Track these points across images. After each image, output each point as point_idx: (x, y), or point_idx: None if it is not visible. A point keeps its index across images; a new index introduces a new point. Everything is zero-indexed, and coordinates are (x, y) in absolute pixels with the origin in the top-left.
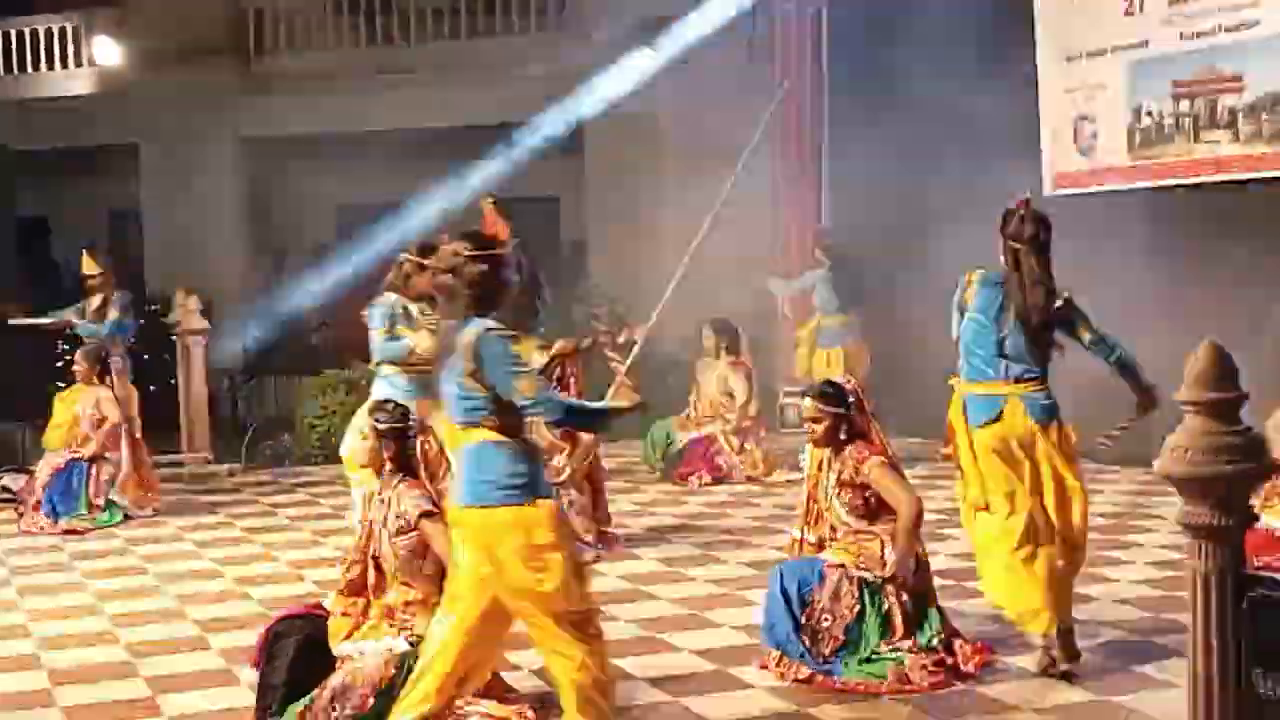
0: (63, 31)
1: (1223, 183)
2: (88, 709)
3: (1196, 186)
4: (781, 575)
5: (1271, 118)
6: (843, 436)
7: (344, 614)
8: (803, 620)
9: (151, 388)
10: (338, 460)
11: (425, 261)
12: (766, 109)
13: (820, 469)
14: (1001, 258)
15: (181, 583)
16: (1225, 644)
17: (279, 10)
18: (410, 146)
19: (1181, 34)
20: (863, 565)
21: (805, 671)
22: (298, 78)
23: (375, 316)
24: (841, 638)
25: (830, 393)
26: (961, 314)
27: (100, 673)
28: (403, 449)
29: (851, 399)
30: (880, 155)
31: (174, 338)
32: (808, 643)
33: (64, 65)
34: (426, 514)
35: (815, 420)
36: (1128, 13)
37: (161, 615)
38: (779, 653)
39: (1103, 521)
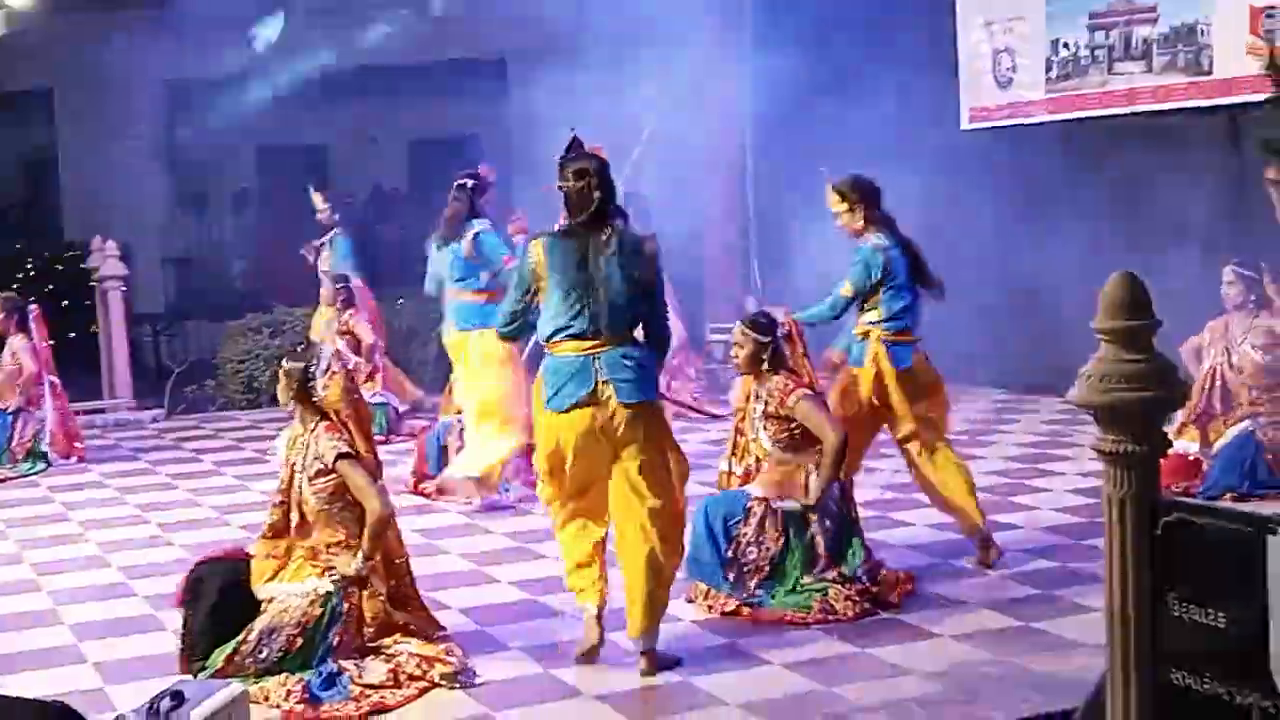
0: None
1: (1137, 113)
2: (8, 658)
3: (1111, 118)
4: (706, 510)
5: (1185, 48)
6: (765, 365)
7: (268, 556)
8: (729, 554)
9: (72, 335)
10: (260, 405)
11: None
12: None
13: (747, 401)
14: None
15: (105, 529)
16: (1141, 568)
17: None
18: (330, 87)
19: None
20: (786, 495)
21: (732, 604)
22: (217, 20)
23: None
24: (767, 569)
25: (759, 321)
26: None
27: (22, 621)
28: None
29: (781, 331)
30: (799, 84)
31: (93, 285)
32: (733, 576)
33: None
34: (343, 455)
35: (739, 345)
36: None
37: (85, 562)
38: (705, 586)
39: (1022, 451)
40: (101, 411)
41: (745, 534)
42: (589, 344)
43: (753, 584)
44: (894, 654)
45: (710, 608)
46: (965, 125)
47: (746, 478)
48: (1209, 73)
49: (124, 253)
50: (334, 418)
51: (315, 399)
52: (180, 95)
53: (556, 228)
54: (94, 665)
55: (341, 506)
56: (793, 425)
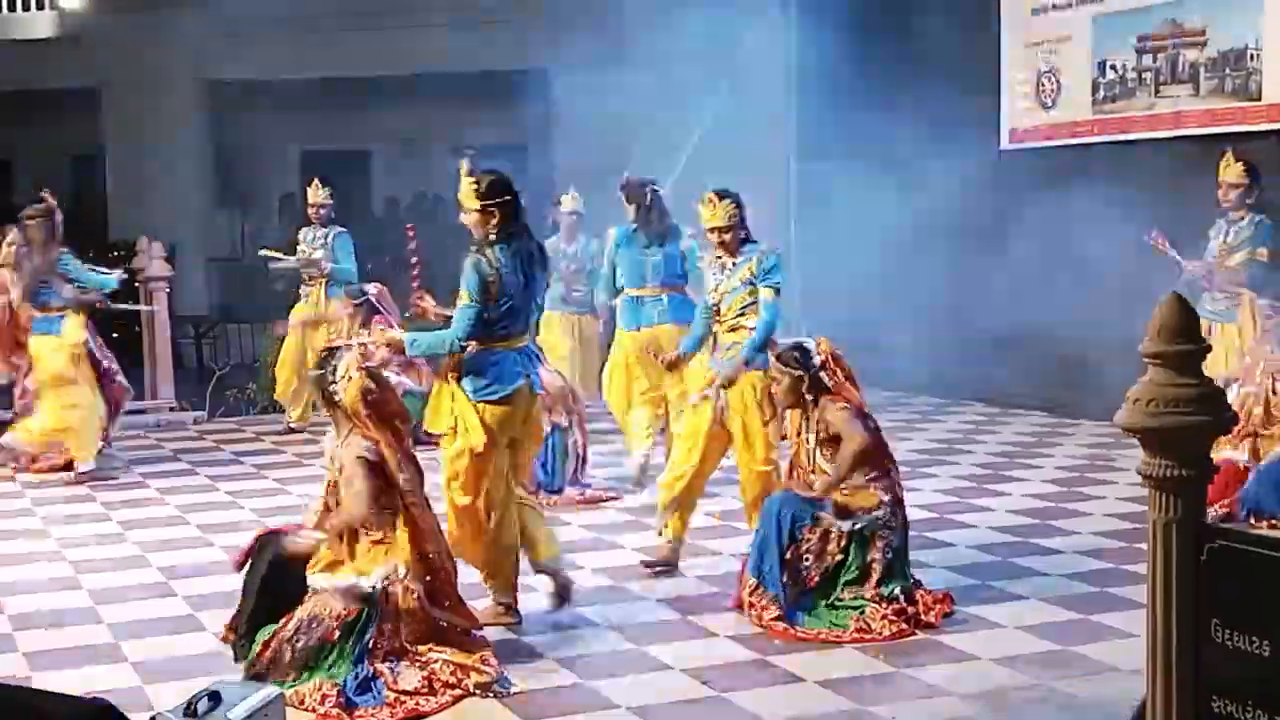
0: None
1: (1183, 137)
2: (49, 654)
3: (1157, 141)
4: (779, 506)
5: (1233, 72)
6: (808, 396)
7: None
8: (787, 555)
9: (114, 335)
10: None
11: None
12: None
13: (799, 434)
14: None
15: (145, 529)
16: (1184, 595)
17: None
18: (377, 94)
19: None
20: (858, 510)
21: (773, 611)
22: (264, 21)
23: None
24: (816, 580)
25: (791, 355)
26: None
27: (62, 618)
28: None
29: (817, 360)
30: (846, 105)
31: (137, 285)
32: (786, 578)
33: (25, 7)
34: (360, 458)
35: (776, 380)
36: None
37: (126, 562)
38: (756, 581)
39: (1064, 474)
40: (143, 412)
41: (809, 542)
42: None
43: (797, 591)
44: (932, 675)
45: (752, 606)
46: (1005, 145)
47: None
48: (1258, 98)
49: (169, 253)
50: (359, 419)
51: (339, 402)
52: (226, 96)
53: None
54: (133, 664)
55: (377, 510)
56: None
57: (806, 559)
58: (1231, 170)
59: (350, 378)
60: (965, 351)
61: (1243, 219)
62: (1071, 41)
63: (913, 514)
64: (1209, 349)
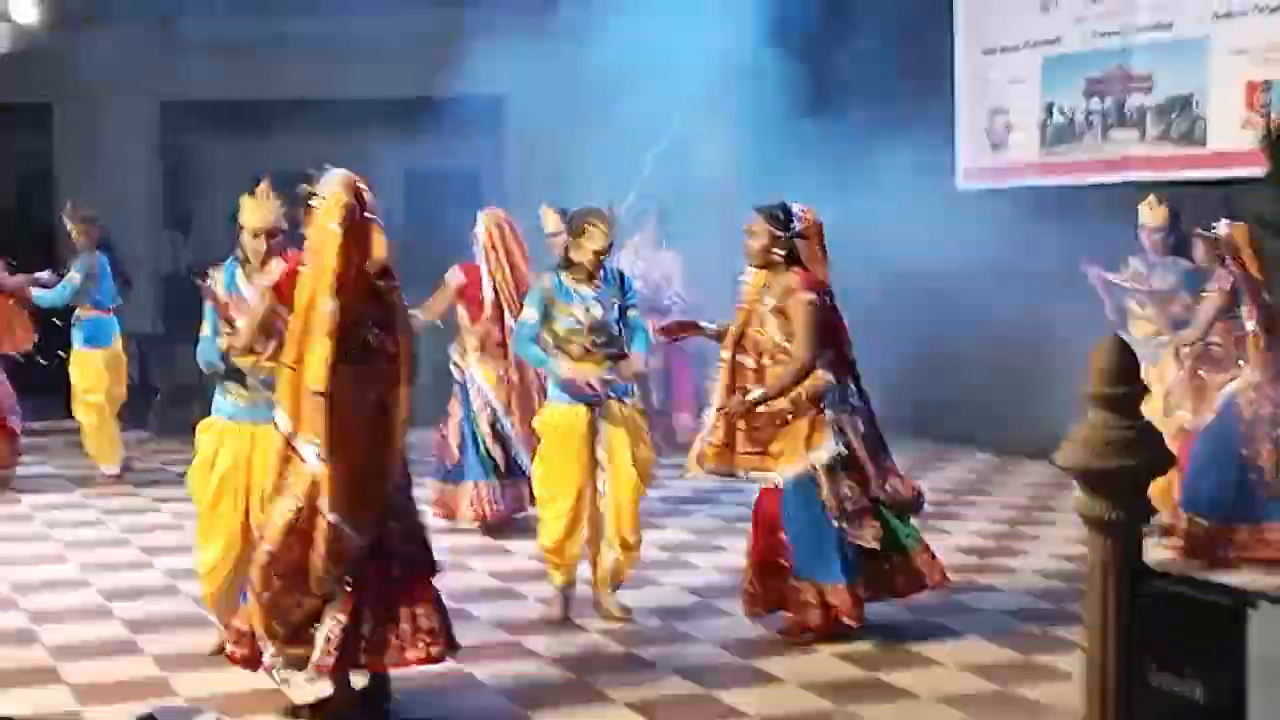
0: None
1: (1130, 182)
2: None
3: (1103, 188)
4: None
5: (1179, 118)
6: (778, 257)
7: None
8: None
9: (60, 353)
10: None
11: None
12: None
13: (757, 297)
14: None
15: (86, 550)
16: (1120, 636)
17: None
18: (331, 117)
19: (1095, 32)
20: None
21: (816, 618)
22: (219, 42)
23: None
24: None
25: (775, 212)
26: None
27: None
28: None
29: (798, 225)
30: (797, 133)
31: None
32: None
33: None
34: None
35: (753, 234)
36: (1044, 7)
37: (65, 584)
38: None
39: (1007, 514)
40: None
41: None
42: None
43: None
44: (871, 714)
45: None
46: (960, 184)
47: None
48: (1203, 144)
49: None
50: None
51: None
52: (176, 115)
53: None
54: (70, 687)
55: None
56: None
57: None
58: (1156, 214)
59: (332, 195)
60: (912, 386)
61: (1165, 263)
62: (1023, 84)
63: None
64: (1147, 390)
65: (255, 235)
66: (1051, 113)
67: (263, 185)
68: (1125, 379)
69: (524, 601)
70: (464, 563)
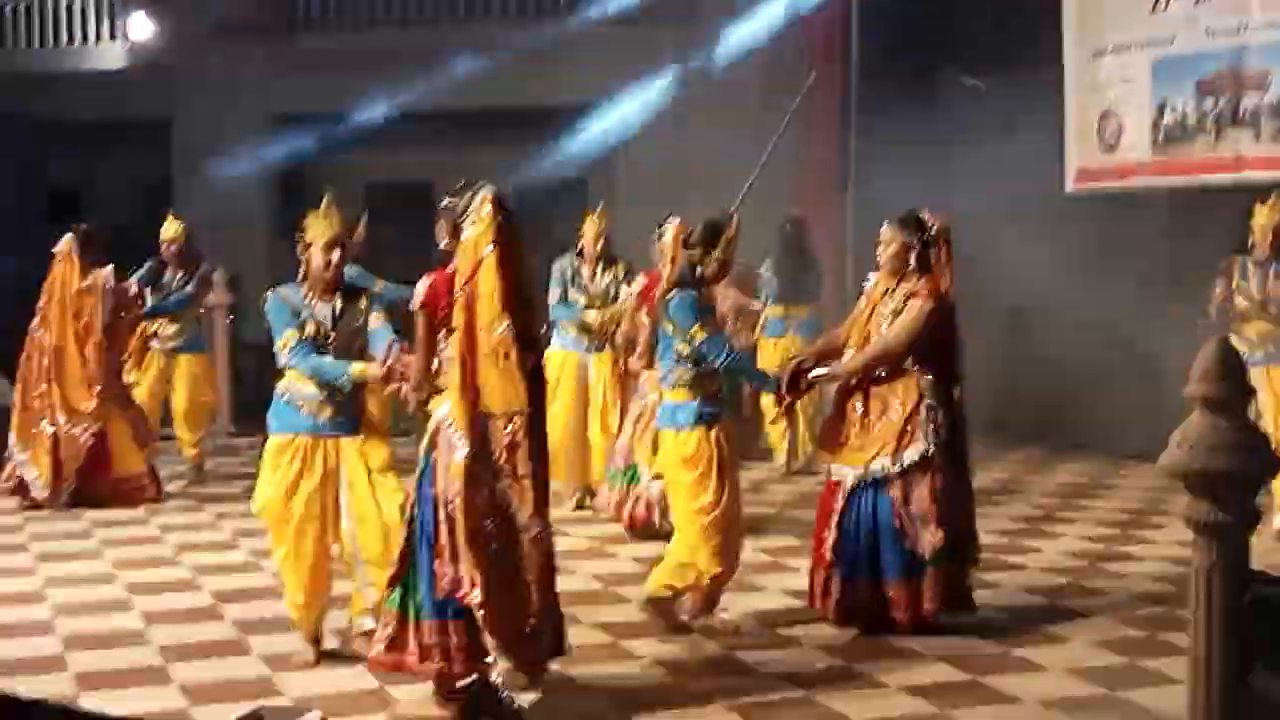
0: (97, 4)
1: (1245, 184)
2: (99, 676)
3: (1214, 191)
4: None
5: None
6: (911, 266)
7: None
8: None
9: None
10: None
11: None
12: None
13: (880, 297)
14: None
15: (198, 553)
16: (1226, 641)
17: None
18: (440, 127)
19: (1207, 31)
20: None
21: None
22: (330, 57)
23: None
24: None
25: (908, 219)
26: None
27: (112, 640)
28: None
29: (930, 232)
30: (906, 142)
31: (201, 312)
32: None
33: (97, 39)
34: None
35: (886, 242)
36: (1154, 7)
37: (177, 585)
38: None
39: (1120, 517)
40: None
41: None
42: None
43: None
44: (974, 716)
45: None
46: (1070, 188)
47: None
48: None
49: (233, 282)
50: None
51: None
52: (292, 129)
53: None
54: (180, 686)
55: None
56: None
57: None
58: (1274, 212)
59: (483, 214)
60: (1024, 389)
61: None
62: (1134, 84)
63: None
64: (1254, 392)
65: (326, 250)
66: (1164, 113)
67: (327, 199)
68: (1230, 380)
69: (626, 605)
70: (567, 565)
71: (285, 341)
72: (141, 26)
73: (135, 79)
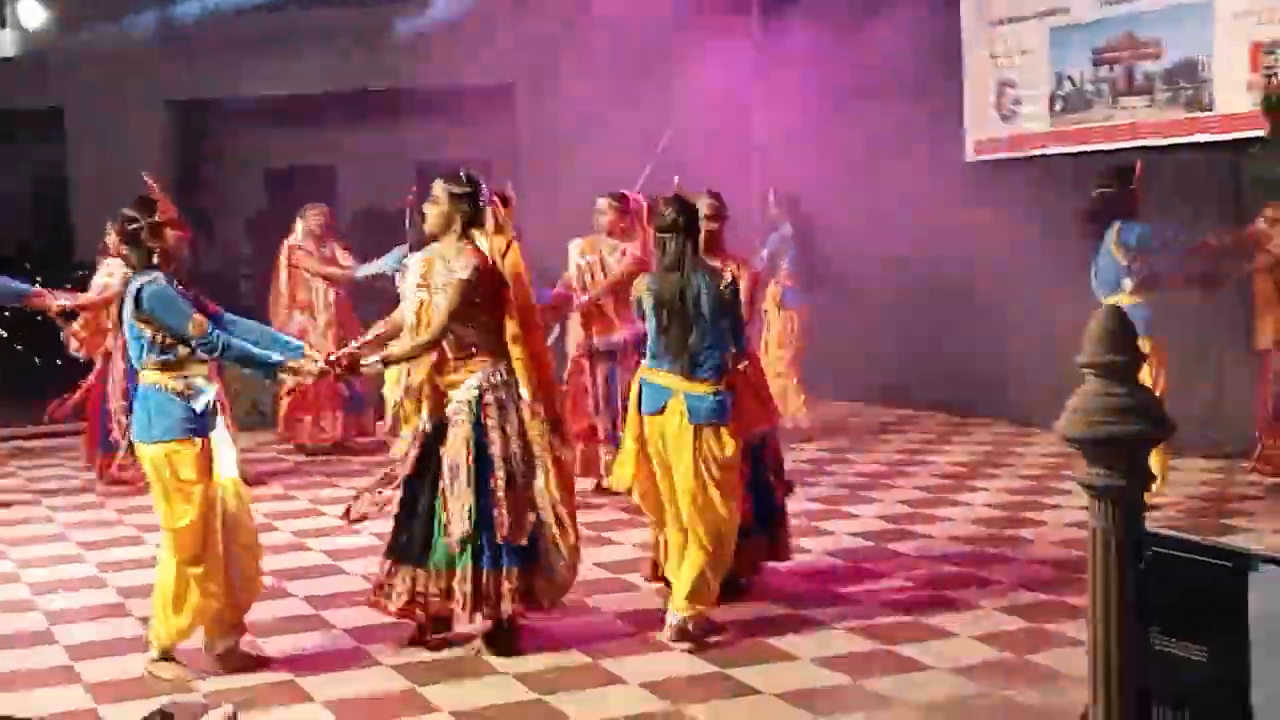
0: None
1: (1140, 148)
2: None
3: (1114, 152)
4: None
5: (1188, 84)
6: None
7: None
8: None
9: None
10: (268, 427)
11: None
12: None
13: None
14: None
15: (101, 551)
16: (1124, 602)
17: None
18: (338, 109)
19: (1103, 1)
20: None
21: None
22: (222, 40)
23: None
24: None
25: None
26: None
27: (12, 642)
28: None
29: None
30: (810, 111)
31: None
32: None
33: None
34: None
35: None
36: None
37: (80, 583)
38: None
39: (1020, 484)
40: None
41: None
42: None
43: None
44: (884, 685)
45: None
46: (969, 157)
47: None
48: (1211, 108)
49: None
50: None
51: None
52: (189, 116)
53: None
54: (87, 685)
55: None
56: None
57: None
58: None
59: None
60: (928, 357)
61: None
62: (1032, 54)
63: (869, 525)
64: (1145, 357)
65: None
66: (1060, 82)
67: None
68: (1121, 346)
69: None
70: None
71: (199, 324)
72: (32, 12)
73: (27, 67)
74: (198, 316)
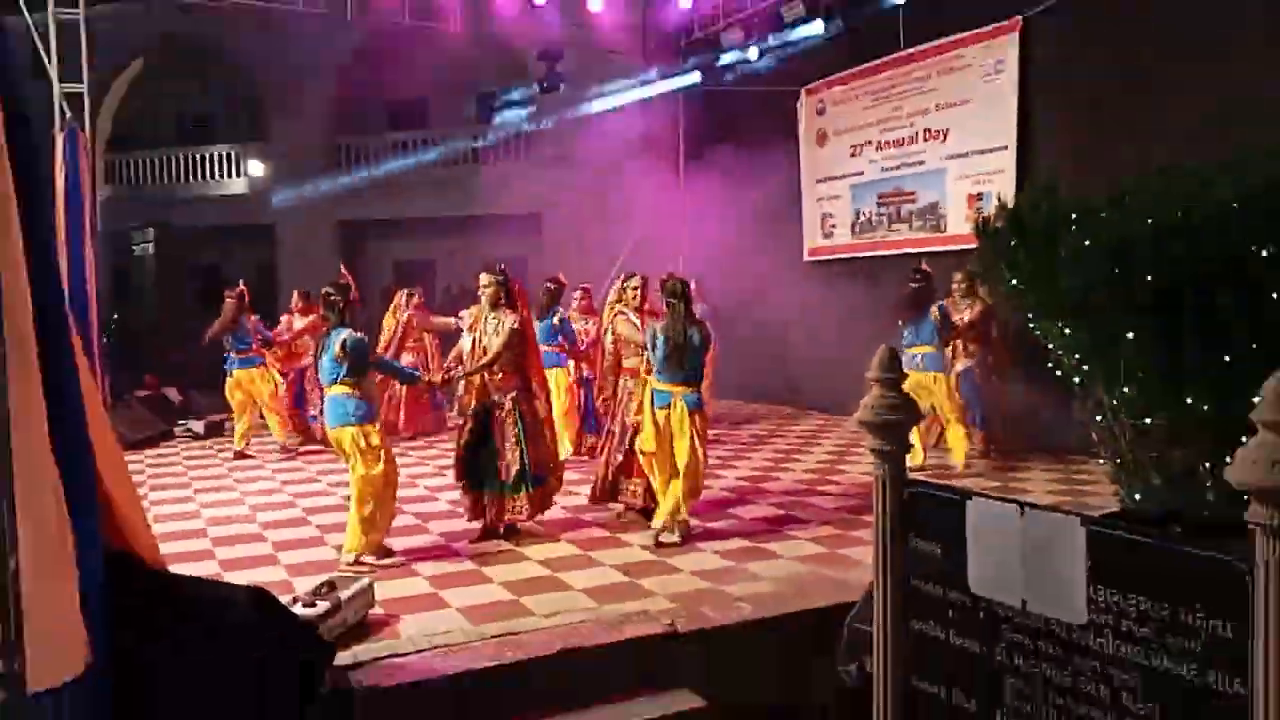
0: (228, 155)
1: (905, 254)
2: (228, 563)
3: (888, 258)
4: None
5: (932, 217)
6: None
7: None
8: None
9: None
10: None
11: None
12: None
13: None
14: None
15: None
16: (894, 520)
17: (365, 145)
18: (438, 226)
19: (882, 169)
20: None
21: None
22: (371, 183)
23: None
24: None
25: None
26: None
27: (241, 537)
28: None
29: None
30: (716, 225)
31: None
32: None
33: (224, 175)
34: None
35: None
36: (852, 155)
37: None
38: None
39: (837, 450)
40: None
41: None
42: None
43: None
44: (755, 567)
45: None
46: (806, 258)
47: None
48: (944, 231)
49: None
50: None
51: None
52: (350, 230)
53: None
54: (285, 567)
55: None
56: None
57: None
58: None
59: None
60: (777, 373)
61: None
62: (840, 198)
63: (743, 472)
64: (905, 376)
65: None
66: (859, 216)
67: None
68: (891, 368)
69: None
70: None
71: (375, 357)
72: (255, 167)
73: (252, 199)
74: (374, 353)
